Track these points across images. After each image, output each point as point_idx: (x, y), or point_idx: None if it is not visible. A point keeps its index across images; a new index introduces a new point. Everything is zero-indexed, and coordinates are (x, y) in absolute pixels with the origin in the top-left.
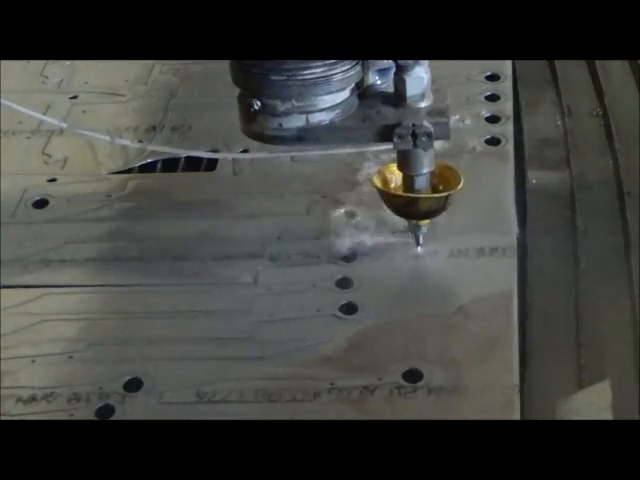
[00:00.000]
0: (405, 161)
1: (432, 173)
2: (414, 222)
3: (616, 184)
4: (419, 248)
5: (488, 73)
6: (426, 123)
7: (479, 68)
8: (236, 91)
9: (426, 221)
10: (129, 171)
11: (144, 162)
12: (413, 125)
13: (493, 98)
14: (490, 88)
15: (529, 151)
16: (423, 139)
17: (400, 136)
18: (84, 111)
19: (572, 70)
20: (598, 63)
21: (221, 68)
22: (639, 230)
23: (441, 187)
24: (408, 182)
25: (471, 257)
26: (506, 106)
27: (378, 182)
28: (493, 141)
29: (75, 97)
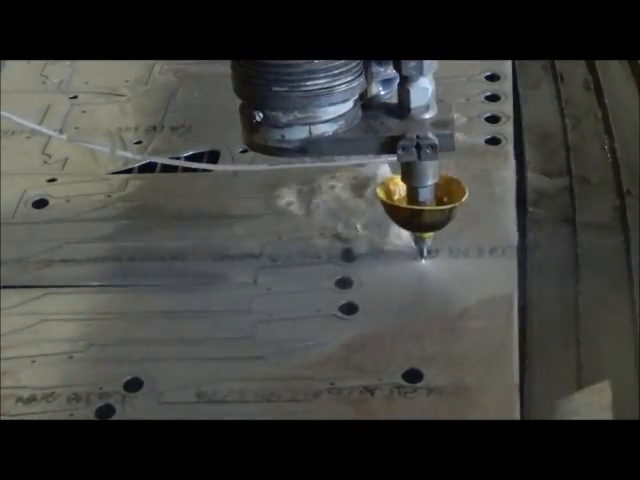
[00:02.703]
0: (409, 173)
1: (436, 185)
2: (418, 234)
3: (616, 184)
4: (423, 260)
5: (488, 73)
6: (431, 135)
7: (479, 68)
8: None
9: (430, 234)
10: (129, 171)
11: (144, 162)
12: (417, 137)
13: (493, 98)
14: (490, 88)
15: (529, 151)
16: (427, 151)
17: (404, 148)
18: (84, 111)
19: (572, 70)
20: (598, 63)
21: (221, 69)
22: (639, 230)
23: (445, 199)
24: (412, 194)
25: (471, 257)
26: (506, 106)
27: (382, 194)
28: (493, 141)
29: (75, 97)
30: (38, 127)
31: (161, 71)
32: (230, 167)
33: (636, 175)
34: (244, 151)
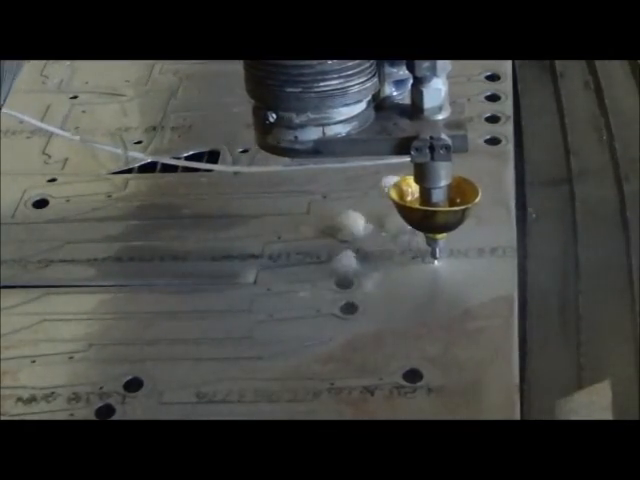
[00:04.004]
0: (422, 174)
1: (449, 186)
2: (430, 236)
3: (616, 184)
4: (436, 262)
5: (488, 73)
6: (444, 136)
7: (479, 68)
8: (236, 91)
9: (443, 234)
10: (129, 171)
11: (144, 162)
12: (431, 138)
13: (493, 98)
14: (490, 88)
15: (528, 152)
16: (441, 152)
17: (418, 149)
18: (84, 111)
19: (572, 70)
20: (598, 63)
21: (221, 68)
22: (639, 230)
23: (458, 200)
24: (425, 195)
25: (471, 257)
26: (506, 106)
27: (394, 195)
28: (493, 141)
29: (75, 97)
30: (55, 129)
31: (161, 71)
32: (235, 168)
33: (636, 175)
34: (244, 151)
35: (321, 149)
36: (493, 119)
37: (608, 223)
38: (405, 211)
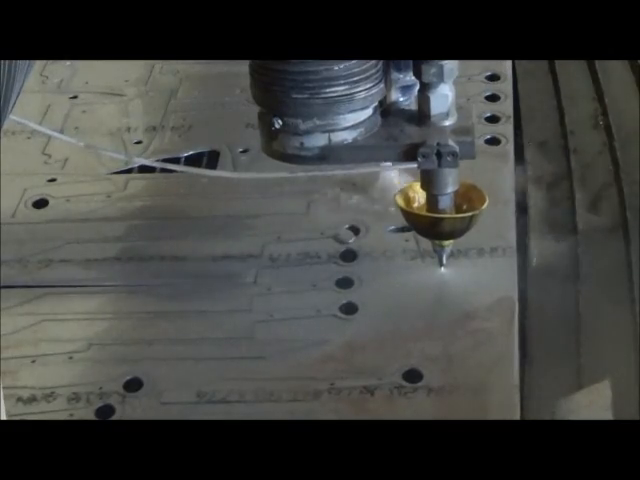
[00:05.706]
0: (429, 180)
1: (456, 192)
2: (437, 242)
3: (616, 184)
4: (442, 269)
5: (488, 73)
6: (451, 142)
7: (479, 68)
8: (236, 91)
9: (450, 241)
10: (129, 171)
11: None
12: (438, 144)
13: (493, 98)
14: (490, 88)
15: (529, 153)
16: (448, 159)
17: (424, 155)
18: (84, 111)
19: (572, 71)
20: (598, 63)
21: (221, 68)
22: (639, 229)
23: (465, 207)
24: (432, 202)
25: (471, 257)
26: (506, 106)
27: (401, 201)
28: (493, 141)
29: (75, 97)
30: (56, 134)
31: (161, 71)
32: (234, 174)
33: (636, 175)
34: (244, 151)
35: (327, 156)
36: (493, 119)
37: (608, 223)
38: (412, 218)
